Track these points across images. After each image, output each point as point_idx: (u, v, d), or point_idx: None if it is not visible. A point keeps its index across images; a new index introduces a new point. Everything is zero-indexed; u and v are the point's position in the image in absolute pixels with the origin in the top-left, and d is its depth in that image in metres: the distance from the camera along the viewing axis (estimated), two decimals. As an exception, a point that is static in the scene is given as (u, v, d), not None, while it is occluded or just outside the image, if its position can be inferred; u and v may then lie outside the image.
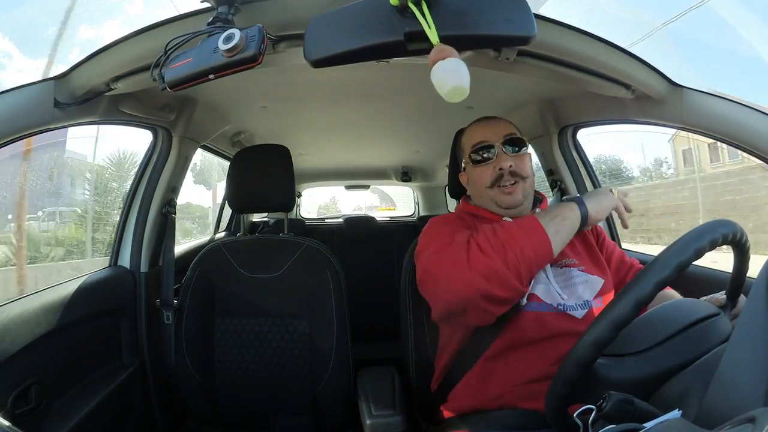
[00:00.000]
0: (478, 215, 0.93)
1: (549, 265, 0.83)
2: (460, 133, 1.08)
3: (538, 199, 0.94)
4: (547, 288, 0.81)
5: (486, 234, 0.73)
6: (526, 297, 0.80)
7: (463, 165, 0.94)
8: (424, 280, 0.80)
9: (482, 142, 0.87)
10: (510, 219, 0.87)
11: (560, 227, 0.74)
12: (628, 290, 0.51)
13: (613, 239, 1.34)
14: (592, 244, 0.93)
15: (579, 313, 0.80)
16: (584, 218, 0.76)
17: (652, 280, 0.50)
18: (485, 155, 0.86)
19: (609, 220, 1.36)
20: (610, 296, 0.84)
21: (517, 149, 0.86)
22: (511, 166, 0.84)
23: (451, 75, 0.49)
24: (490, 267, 0.68)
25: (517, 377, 0.77)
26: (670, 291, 0.88)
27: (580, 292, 0.82)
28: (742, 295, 0.66)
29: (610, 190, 0.83)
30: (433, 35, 0.49)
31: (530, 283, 0.77)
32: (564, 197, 0.82)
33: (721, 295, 0.70)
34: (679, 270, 0.50)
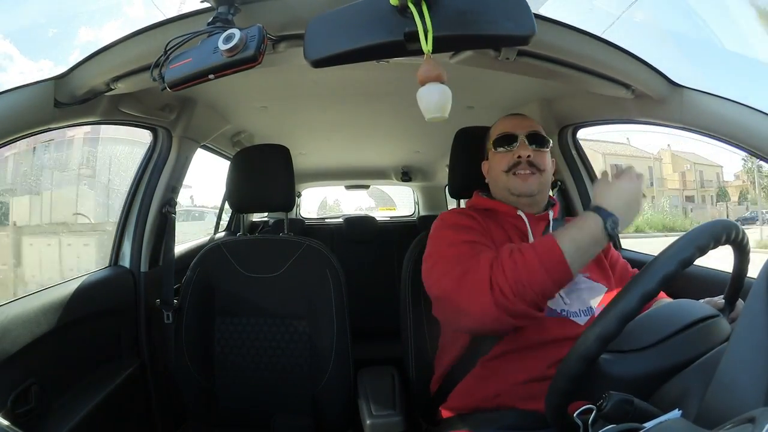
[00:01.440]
0: (491, 209, 0.93)
1: None
2: (462, 132, 1.09)
3: (551, 203, 0.95)
4: None
5: (505, 269, 0.70)
6: None
7: (487, 153, 0.97)
8: (442, 301, 0.79)
9: (507, 131, 0.91)
10: (523, 213, 0.88)
11: (585, 254, 0.70)
12: (634, 284, 0.51)
13: (613, 242, 1.34)
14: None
15: (581, 320, 0.80)
16: (611, 236, 0.70)
17: (657, 274, 0.50)
18: (508, 143, 0.90)
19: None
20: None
21: (538, 145, 0.89)
22: (529, 156, 0.87)
23: (435, 105, 0.52)
24: (512, 309, 0.69)
25: (516, 378, 0.77)
26: (663, 298, 0.88)
27: (585, 298, 0.82)
28: (740, 299, 0.66)
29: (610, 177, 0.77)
30: (426, 45, 0.50)
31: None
32: (592, 208, 0.73)
33: (720, 299, 0.70)
34: (683, 266, 0.50)
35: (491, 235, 0.85)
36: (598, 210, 0.71)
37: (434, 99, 0.52)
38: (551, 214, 0.91)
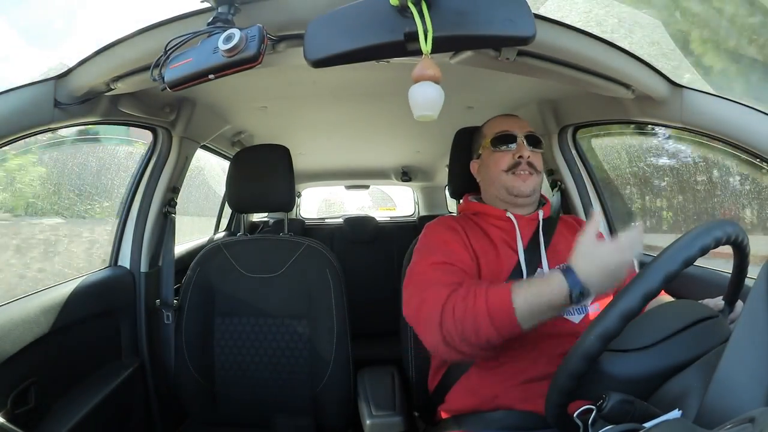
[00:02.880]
0: (480, 212, 0.93)
1: (547, 268, 0.84)
2: (462, 132, 1.09)
3: (541, 202, 0.95)
4: None
5: (456, 312, 0.69)
6: None
7: (479, 152, 0.96)
8: (409, 320, 0.81)
9: (506, 131, 0.91)
10: (512, 215, 0.89)
11: (539, 316, 0.65)
12: (636, 282, 0.51)
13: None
14: None
15: (575, 318, 0.80)
16: (577, 299, 0.61)
17: (659, 272, 0.50)
18: (507, 143, 0.90)
19: (610, 224, 1.36)
20: (608, 301, 0.84)
21: (534, 146, 0.90)
22: (529, 156, 0.88)
23: (426, 104, 0.52)
24: (459, 349, 0.70)
25: (513, 378, 0.77)
26: (663, 296, 0.88)
27: None
28: (739, 300, 0.66)
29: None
30: (425, 46, 0.50)
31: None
32: (562, 268, 0.63)
33: (719, 300, 0.70)
34: (685, 265, 0.51)
35: (474, 242, 0.86)
36: (569, 273, 0.62)
37: (425, 97, 0.52)
38: (541, 214, 0.91)
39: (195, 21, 0.68)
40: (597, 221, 0.66)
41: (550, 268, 0.84)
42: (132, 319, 1.18)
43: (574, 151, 1.35)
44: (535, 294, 0.64)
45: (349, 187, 3.03)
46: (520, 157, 0.88)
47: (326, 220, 2.94)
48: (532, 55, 0.78)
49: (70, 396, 0.93)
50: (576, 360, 0.52)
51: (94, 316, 1.04)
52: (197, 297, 1.14)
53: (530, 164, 0.88)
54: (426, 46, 0.50)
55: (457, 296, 0.71)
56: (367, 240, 2.36)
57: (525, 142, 0.89)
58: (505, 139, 0.90)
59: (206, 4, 0.64)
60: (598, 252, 0.61)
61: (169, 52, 0.61)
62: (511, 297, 0.65)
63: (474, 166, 0.98)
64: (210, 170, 2.26)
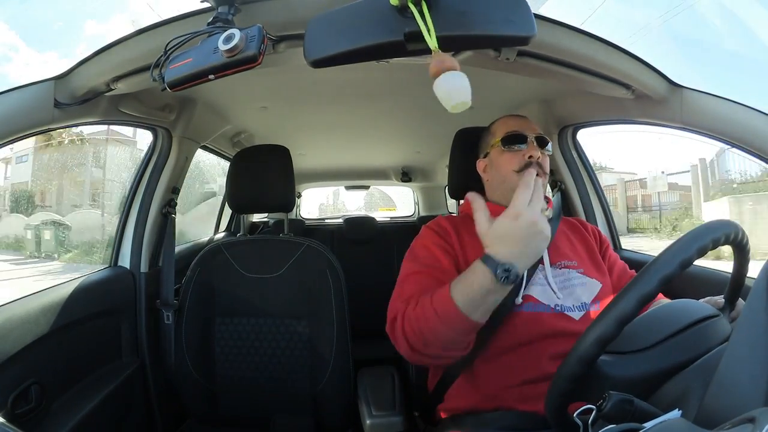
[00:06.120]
0: None
1: (548, 265, 0.84)
2: (462, 132, 1.08)
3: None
4: (544, 289, 0.81)
5: (409, 322, 0.72)
6: (521, 297, 0.80)
7: (487, 151, 0.95)
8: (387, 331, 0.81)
9: (517, 131, 0.90)
10: None
11: (483, 304, 0.66)
12: (632, 286, 0.51)
13: (613, 241, 1.34)
14: (593, 247, 0.93)
15: (576, 315, 0.80)
16: (503, 278, 0.62)
17: (655, 276, 0.50)
18: (518, 143, 0.89)
19: (610, 224, 1.36)
20: (609, 301, 0.84)
21: (543, 148, 0.90)
22: (539, 158, 0.87)
23: (456, 91, 0.50)
24: (428, 353, 0.72)
25: (513, 378, 0.77)
26: (660, 298, 0.87)
27: (578, 294, 0.82)
28: (740, 299, 0.66)
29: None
30: (431, 41, 0.50)
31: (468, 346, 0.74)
32: (481, 258, 0.65)
33: (720, 299, 0.70)
34: (682, 267, 0.50)
35: (466, 244, 0.86)
36: (487, 260, 0.64)
37: (454, 86, 0.50)
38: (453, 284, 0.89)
39: (195, 21, 0.68)
40: (478, 205, 0.69)
41: (551, 265, 0.84)
42: (132, 319, 1.18)
43: (574, 152, 1.35)
44: (467, 285, 0.66)
45: (349, 188, 3.03)
46: (530, 157, 0.87)
47: (326, 221, 2.94)
48: (532, 55, 0.78)
49: (70, 396, 0.94)
50: (573, 363, 0.52)
51: (95, 315, 1.04)
52: (197, 297, 1.14)
53: (540, 165, 0.87)
54: (432, 42, 0.50)
55: (410, 309, 0.74)
56: (367, 240, 2.36)
57: (535, 143, 0.88)
58: (515, 139, 0.89)
59: (206, 4, 0.64)
60: (496, 227, 0.65)
61: (169, 52, 0.61)
62: (450, 295, 0.68)
63: (481, 165, 0.97)
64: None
